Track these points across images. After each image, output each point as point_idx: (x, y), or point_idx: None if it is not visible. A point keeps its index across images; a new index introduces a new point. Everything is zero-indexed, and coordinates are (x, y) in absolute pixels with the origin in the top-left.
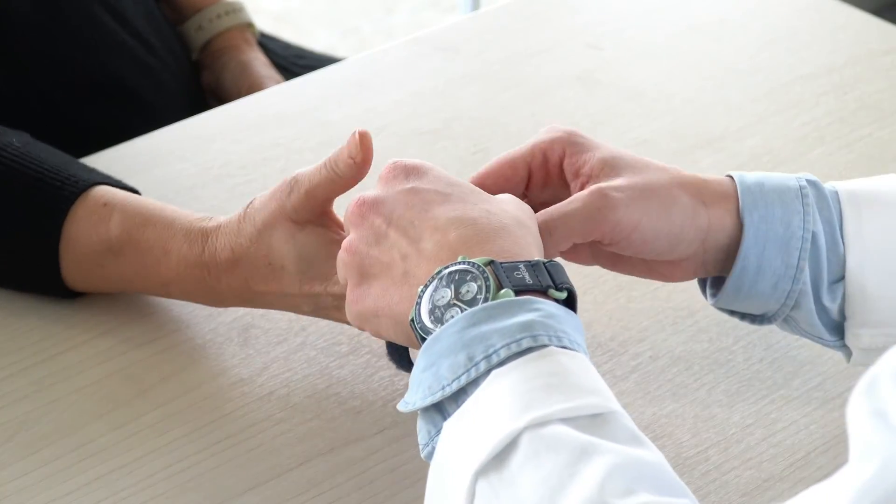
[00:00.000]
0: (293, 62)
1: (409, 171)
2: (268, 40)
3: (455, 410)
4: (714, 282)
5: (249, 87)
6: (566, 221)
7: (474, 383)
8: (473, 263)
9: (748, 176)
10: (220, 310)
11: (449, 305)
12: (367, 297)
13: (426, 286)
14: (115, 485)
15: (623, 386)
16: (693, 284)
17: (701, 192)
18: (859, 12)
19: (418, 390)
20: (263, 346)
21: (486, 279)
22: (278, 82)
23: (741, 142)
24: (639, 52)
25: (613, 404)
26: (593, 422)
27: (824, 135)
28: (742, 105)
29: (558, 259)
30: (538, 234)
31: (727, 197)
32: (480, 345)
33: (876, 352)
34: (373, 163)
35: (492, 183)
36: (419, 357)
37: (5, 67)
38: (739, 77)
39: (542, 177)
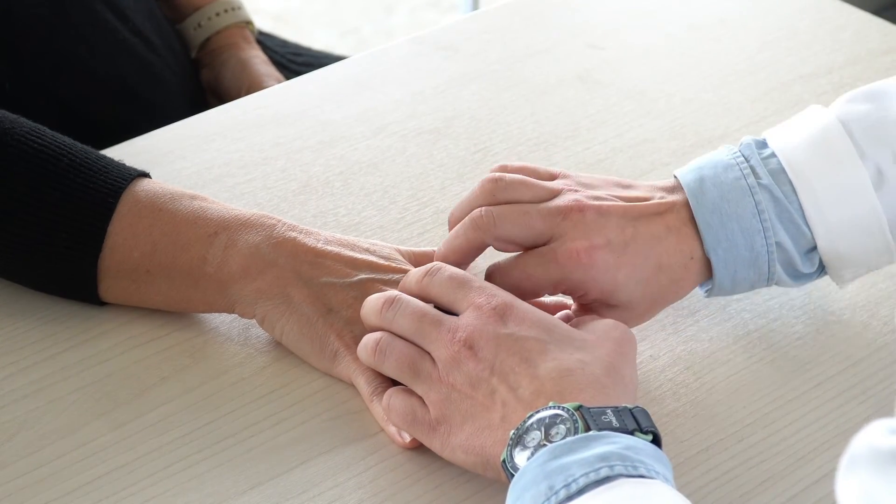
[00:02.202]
0: (290, 59)
1: (504, 314)
2: (264, 38)
3: None
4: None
5: (250, 84)
6: None
7: None
8: (564, 408)
9: (705, 198)
10: None
11: (538, 446)
12: (457, 434)
13: (518, 429)
14: (116, 484)
15: None
16: None
17: (690, 280)
18: (859, 12)
19: None
20: (263, 346)
21: (575, 421)
22: (278, 80)
23: None
24: (639, 52)
25: None
26: None
27: None
28: (742, 105)
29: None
30: (633, 377)
31: (686, 229)
32: (561, 475)
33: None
34: (374, 162)
35: None
36: (508, 494)
37: (7, 64)
38: (740, 77)
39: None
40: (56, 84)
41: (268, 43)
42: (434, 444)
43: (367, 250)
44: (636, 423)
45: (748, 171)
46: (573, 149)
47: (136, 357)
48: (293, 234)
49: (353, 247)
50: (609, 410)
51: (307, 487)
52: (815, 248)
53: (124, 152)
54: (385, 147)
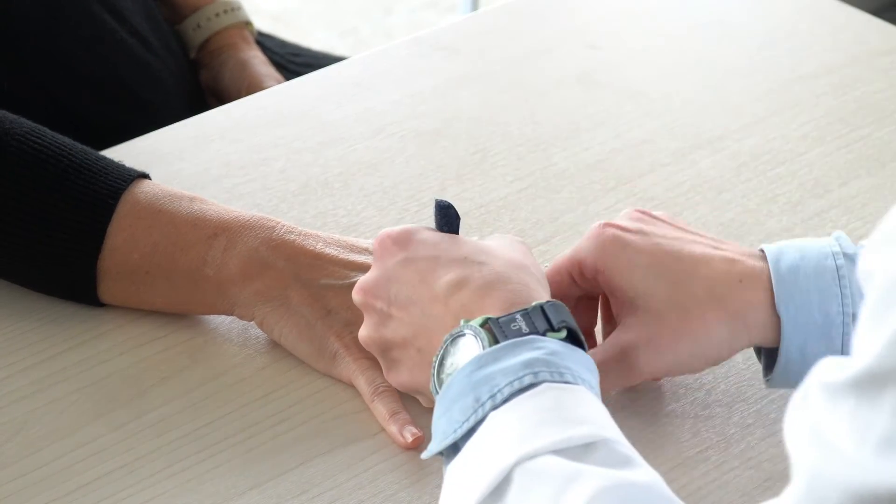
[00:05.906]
0: (290, 60)
1: (398, 242)
2: (264, 38)
3: None
4: (768, 362)
5: (249, 85)
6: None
7: (482, 422)
8: (470, 326)
9: (784, 259)
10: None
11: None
12: (399, 376)
13: (436, 356)
14: (116, 485)
15: None
16: None
17: (737, 309)
18: (859, 12)
19: (436, 436)
20: (263, 346)
21: (482, 340)
22: (278, 80)
23: (741, 142)
24: (639, 52)
25: (607, 432)
26: (585, 450)
27: (824, 135)
28: (742, 105)
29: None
30: (537, 267)
31: (760, 286)
32: (486, 385)
33: None
34: (373, 162)
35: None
36: (436, 407)
37: (6, 64)
38: (739, 77)
39: (582, 283)
40: (54, 84)
41: (267, 43)
42: (396, 385)
43: (366, 250)
44: (547, 321)
45: (836, 248)
46: (572, 149)
47: (136, 358)
48: (292, 237)
49: (351, 248)
50: (518, 315)
51: (307, 488)
52: None
53: (123, 153)
54: (384, 148)
